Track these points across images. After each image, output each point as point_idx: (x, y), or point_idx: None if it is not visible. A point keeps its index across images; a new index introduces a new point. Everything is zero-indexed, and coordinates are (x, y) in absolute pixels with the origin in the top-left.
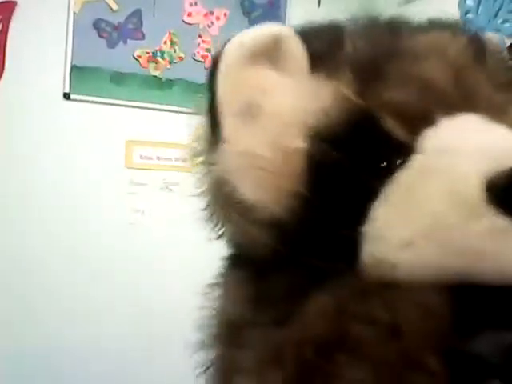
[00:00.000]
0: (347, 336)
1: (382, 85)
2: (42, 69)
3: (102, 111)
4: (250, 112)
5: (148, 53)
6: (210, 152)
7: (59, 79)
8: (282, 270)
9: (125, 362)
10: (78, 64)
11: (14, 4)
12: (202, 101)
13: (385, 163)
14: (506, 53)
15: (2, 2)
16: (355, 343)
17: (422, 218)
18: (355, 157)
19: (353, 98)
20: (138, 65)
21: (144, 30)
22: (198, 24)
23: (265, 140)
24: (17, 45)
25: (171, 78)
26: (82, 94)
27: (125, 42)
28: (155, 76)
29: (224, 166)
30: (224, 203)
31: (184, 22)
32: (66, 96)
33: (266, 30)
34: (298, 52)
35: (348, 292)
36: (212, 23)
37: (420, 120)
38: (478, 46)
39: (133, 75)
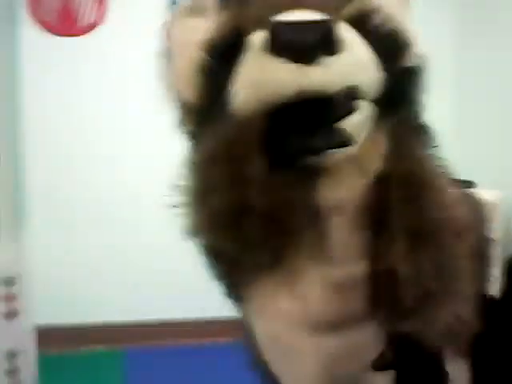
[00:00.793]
0: (219, 150)
1: (246, 7)
2: (141, 7)
3: None
4: (184, 46)
5: None
6: (169, 76)
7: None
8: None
9: None
10: None
11: None
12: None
13: (242, 55)
14: None
15: None
16: (217, 158)
17: (245, 75)
18: (223, 55)
19: (228, 19)
20: None
21: None
22: None
23: (185, 59)
24: None
25: None
26: None
27: None
28: None
29: (171, 80)
30: (176, 103)
31: None
32: None
33: None
34: (210, 2)
35: (222, 126)
36: None
37: (263, 23)
38: None
39: None
